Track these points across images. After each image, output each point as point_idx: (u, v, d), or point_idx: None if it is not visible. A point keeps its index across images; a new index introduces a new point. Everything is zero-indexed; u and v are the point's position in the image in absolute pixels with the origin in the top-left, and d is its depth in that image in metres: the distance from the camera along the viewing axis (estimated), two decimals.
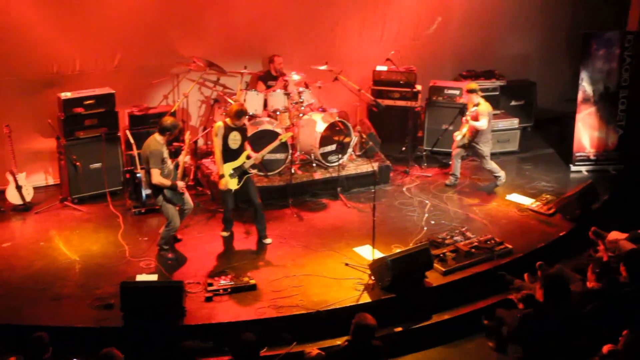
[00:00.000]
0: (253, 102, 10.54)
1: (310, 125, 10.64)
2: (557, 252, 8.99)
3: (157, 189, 8.48)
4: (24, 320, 7.51)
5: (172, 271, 8.52)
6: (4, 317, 7.56)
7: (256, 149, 9.28)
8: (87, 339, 7.33)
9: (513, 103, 12.85)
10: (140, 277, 8.22)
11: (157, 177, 8.29)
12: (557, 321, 6.34)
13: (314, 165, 10.75)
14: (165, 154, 8.37)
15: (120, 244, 9.12)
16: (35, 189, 10.38)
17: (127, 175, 10.21)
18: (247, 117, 9.08)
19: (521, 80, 13.12)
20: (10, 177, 10.13)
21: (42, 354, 6.16)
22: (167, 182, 8.37)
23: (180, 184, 8.52)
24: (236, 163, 8.86)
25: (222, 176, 8.68)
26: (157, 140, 8.33)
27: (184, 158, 8.64)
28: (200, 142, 11.24)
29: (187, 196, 8.76)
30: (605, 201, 10.35)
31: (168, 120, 8.36)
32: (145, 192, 9.40)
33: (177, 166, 8.57)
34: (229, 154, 8.80)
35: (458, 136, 10.61)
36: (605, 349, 6.30)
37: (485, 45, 12.92)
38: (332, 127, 10.54)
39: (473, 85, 10.54)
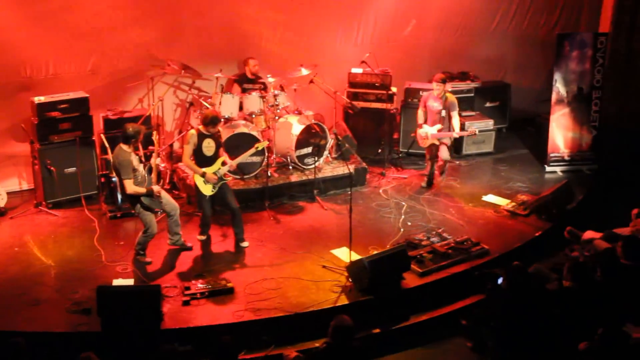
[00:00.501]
0: (228, 105, 10.45)
1: (286, 128, 10.60)
2: (533, 252, 9.00)
3: (134, 198, 8.37)
4: (1, 326, 7.44)
5: (149, 275, 8.46)
6: None
7: (232, 152, 9.24)
8: (65, 343, 7.27)
9: (488, 104, 12.84)
10: (117, 282, 8.16)
11: (130, 187, 8.19)
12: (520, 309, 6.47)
13: (291, 167, 10.70)
14: (135, 161, 8.26)
15: (96, 248, 9.03)
16: (9, 193, 10.29)
17: (102, 180, 10.16)
18: (220, 124, 9.04)
19: (496, 81, 13.16)
20: None
21: None
22: (142, 190, 8.26)
23: (156, 188, 8.41)
24: (211, 169, 8.78)
25: (203, 174, 8.63)
26: (123, 149, 8.21)
27: (156, 160, 8.55)
28: (176, 145, 11.15)
29: (167, 198, 8.62)
30: (580, 201, 10.40)
31: (129, 128, 8.25)
32: (121, 196, 9.32)
33: (150, 170, 8.47)
34: (203, 161, 8.73)
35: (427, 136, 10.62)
36: (582, 345, 6.38)
37: (460, 47, 12.89)
38: (308, 130, 10.50)
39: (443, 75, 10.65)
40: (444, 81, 10.45)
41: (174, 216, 8.65)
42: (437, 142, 10.63)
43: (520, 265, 7.00)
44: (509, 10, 13.36)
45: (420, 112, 10.76)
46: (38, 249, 9.05)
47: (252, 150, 9.17)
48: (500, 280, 7.46)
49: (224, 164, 8.76)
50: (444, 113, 10.51)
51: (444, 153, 10.62)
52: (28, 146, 10.16)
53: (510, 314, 6.70)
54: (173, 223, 8.76)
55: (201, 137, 8.67)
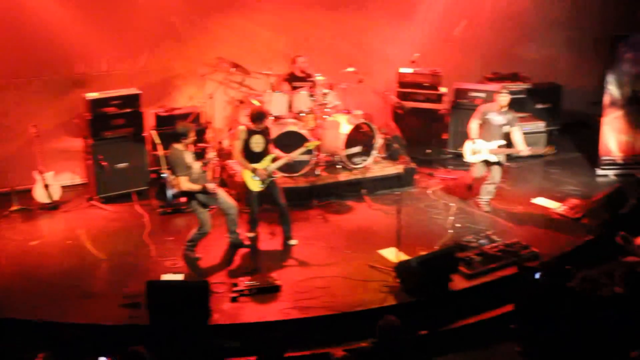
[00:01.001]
0: (278, 103, 10.42)
1: (335, 127, 10.51)
2: (584, 257, 8.81)
3: (190, 195, 8.38)
4: (53, 317, 7.53)
5: (197, 271, 8.49)
6: (33, 314, 7.59)
7: (281, 150, 9.20)
8: (115, 336, 7.33)
9: (539, 106, 12.56)
10: (166, 277, 8.19)
11: (185, 184, 8.20)
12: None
13: (339, 166, 10.59)
14: (189, 159, 8.26)
15: (147, 243, 9.09)
16: (63, 187, 10.39)
17: (153, 175, 10.24)
18: (268, 119, 8.98)
19: (547, 82, 12.88)
20: (37, 176, 10.11)
21: None
22: (196, 187, 8.25)
23: (210, 185, 8.36)
24: (260, 165, 8.78)
25: (253, 170, 8.63)
26: (176, 148, 8.25)
27: (210, 157, 8.69)
28: (226, 142, 11.12)
29: (223, 196, 8.59)
30: (633, 206, 10.12)
31: (179, 126, 8.32)
32: (171, 192, 9.20)
33: (205, 167, 8.51)
34: (253, 157, 8.72)
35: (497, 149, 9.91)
36: (634, 354, 6.30)
37: (511, 47, 12.72)
38: (357, 129, 10.44)
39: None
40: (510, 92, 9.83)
41: (231, 214, 8.64)
42: (491, 160, 9.96)
43: (556, 261, 6.95)
44: (562, 9, 13.21)
45: (474, 124, 9.95)
46: (90, 243, 9.17)
47: (303, 149, 9.14)
48: (537, 275, 7.36)
49: (274, 160, 8.77)
50: (506, 128, 9.87)
51: (496, 174, 9.98)
52: (82, 141, 10.35)
53: (549, 314, 6.66)
54: (230, 221, 8.75)
55: (250, 133, 8.68)
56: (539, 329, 6.80)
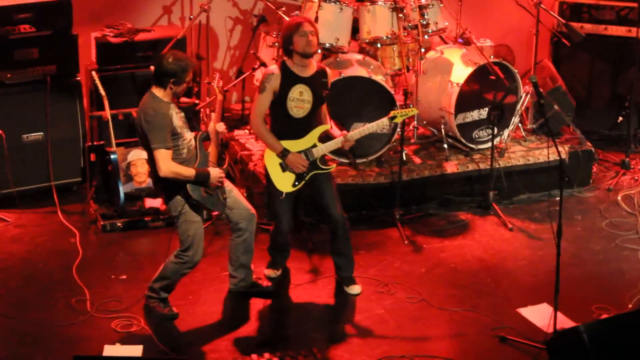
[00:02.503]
0: (333, 22, 8.10)
1: (440, 71, 8.36)
2: None
3: (171, 187, 6.52)
4: None
5: (173, 340, 6.64)
6: None
7: (341, 116, 7.75)
8: None
9: None
10: (111, 349, 6.55)
11: (167, 164, 6.37)
12: None
13: (446, 147, 8.41)
14: (178, 120, 6.46)
15: (76, 285, 7.21)
16: None
17: (93, 157, 8.05)
18: (317, 51, 7.31)
19: None
20: None
21: None
22: (189, 172, 6.47)
23: (215, 171, 6.55)
24: (298, 145, 6.85)
25: (284, 153, 6.83)
26: (157, 97, 6.39)
27: (216, 124, 6.74)
28: (233, 97, 9.27)
29: (235, 197, 6.81)
30: None
31: (169, 58, 6.41)
32: (130, 186, 7.83)
33: (204, 139, 6.75)
34: (287, 128, 6.80)
35: None
36: None
37: None
38: (481, 75, 8.12)
39: None
40: None
41: (244, 233, 6.76)
42: None
43: None
44: None
45: None
46: None
47: (383, 122, 7.02)
48: None
49: (325, 137, 6.91)
50: None
51: None
52: None
53: None
54: (241, 246, 6.86)
55: (288, 79, 6.72)
56: None
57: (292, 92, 6.63)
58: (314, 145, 6.73)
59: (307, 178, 6.71)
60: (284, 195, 6.74)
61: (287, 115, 6.62)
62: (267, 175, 6.83)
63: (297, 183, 6.71)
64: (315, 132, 6.77)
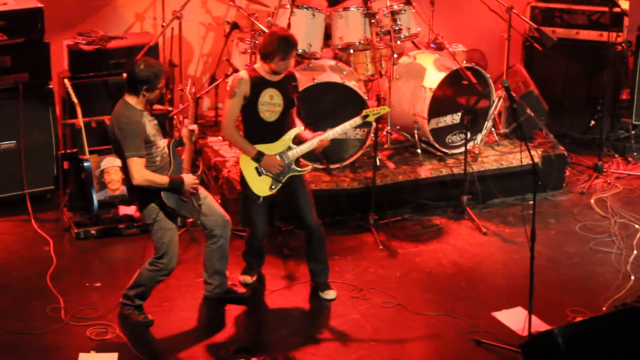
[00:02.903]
0: (305, 28, 8.23)
1: (413, 76, 8.45)
2: None
3: (145, 195, 6.60)
4: None
5: (147, 348, 6.65)
6: None
7: (313, 121, 7.59)
8: None
9: None
10: (86, 357, 6.55)
11: (140, 171, 6.45)
12: None
13: (419, 151, 8.52)
14: (151, 128, 6.50)
15: (51, 293, 7.19)
16: None
17: (66, 165, 8.07)
18: (294, 54, 7.09)
19: None
20: None
21: None
22: (163, 180, 6.55)
23: (189, 178, 6.63)
24: (273, 149, 6.97)
25: (259, 156, 6.91)
26: (130, 105, 6.44)
27: (190, 129, 6.77)
28: (205, 104, 9.28)
29: (210, 204, 6.92)
30: None
31: (141, 65, 6.45)
32: (101, 196, 7.85)
33: (177, 145, 6.72)
34: (260, 131, 6.91)
35: None
36: None
37: None
38: (454, 80, 8.26)
39: None
40: None
41: (219, 239, 6.85)
42: None
43: None
44: None
45: None
46: None
47: (356, 121, 7.14)
48: None
49: (298, 140, 7.02)
50: None
51: None
52: None
53: None
54: (216, 252, 6.94)
55: (258, 84, 6.84)
56: None
57: (263, 96, 6.74)
58: (289, 148, 6.87)
59: (283, 180, 6.80)
60: (261, 199, 6.82)
61: (259, 119, 6.72)
62: (242, 180, 6.89)
63: (273, 187, 6.78)
64: (288, 134, 6.89)
